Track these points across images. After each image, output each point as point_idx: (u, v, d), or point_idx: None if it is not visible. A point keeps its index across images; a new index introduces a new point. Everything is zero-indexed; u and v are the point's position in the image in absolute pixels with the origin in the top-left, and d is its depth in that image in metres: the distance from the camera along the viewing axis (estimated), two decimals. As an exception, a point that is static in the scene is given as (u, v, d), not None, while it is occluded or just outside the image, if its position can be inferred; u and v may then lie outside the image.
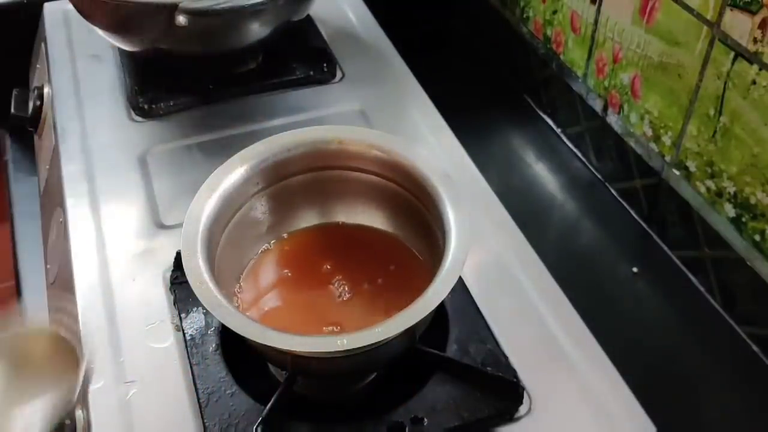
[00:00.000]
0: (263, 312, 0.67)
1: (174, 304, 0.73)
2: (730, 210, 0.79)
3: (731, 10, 0.73)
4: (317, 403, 0.66)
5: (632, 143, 0.92)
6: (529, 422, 0.65)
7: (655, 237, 0.90)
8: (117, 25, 0.93)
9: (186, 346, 0.69)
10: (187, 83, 0.96)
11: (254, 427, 0.61)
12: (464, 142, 0.92)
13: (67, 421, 0.66)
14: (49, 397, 0.59)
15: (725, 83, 0.76)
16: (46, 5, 1.15)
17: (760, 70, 0.71)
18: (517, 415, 0.65)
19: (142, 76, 0.98)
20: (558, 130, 1.06)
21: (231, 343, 0.69)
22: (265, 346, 0.57)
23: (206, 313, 0.71)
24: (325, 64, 1.01)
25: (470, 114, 1.05)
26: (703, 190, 0.82)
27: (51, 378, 0.60)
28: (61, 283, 0.80)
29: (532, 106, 1.11)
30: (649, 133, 0.89)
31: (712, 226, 0.82)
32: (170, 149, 0.90)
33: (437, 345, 0.68)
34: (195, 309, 0.72)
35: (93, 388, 0.66)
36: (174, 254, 0.75)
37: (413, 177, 0.67)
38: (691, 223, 0.84)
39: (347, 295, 0.67)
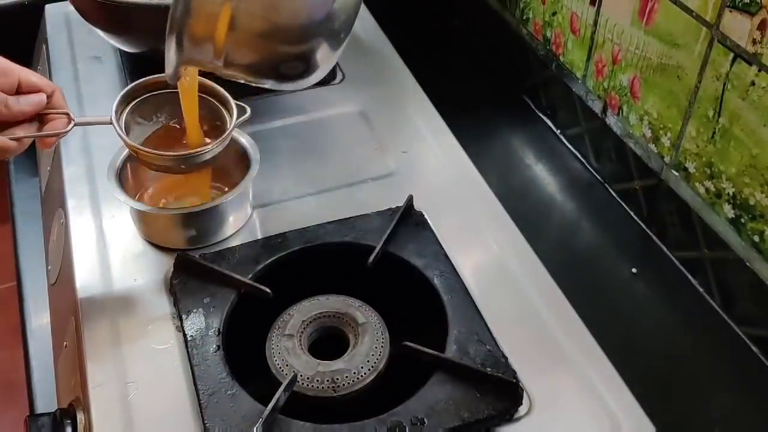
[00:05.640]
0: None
1: (174, 305, 0.73)
2: (729, 211, 0.79)
3: (730, 11, 0.73)
4: (317, 403, 0.67)
5: (631, 144, 0.92)
6: (529, 422, 0.65)
7: (654, 238, 0.91)
8: (118, 27, 0.93)
9: (186, 347, 0.69)
10: (188, 84, 0.97)
11: (254, 428, 0.61)
12: (464, 143, 0.93)
13: (67, 422, 0.66)
14: None
15: (724, 84, 0.76)
16: (47, 7, 1.15)
17: (759, 71, 0.71)
18: (517, 415, 0.65)
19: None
20: (557, 131, 1.06)
21: (231, 344, 0.70)
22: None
23: (206, 315, 0.71)
24: (325, 66, 1.02)
25: (470, 115, 1.05)
26: (702, 191, 0.82)
27: None
28: (62, 284, 0.80)
29: (531, 107, 1.11)
30: (649, 134, 0.89)
31: (711, 226, 0.82)
32: (171, 150, 0.90)
33: (437, 345, 0.69)
34: (195, 310, 0.72)
35: (93, 388, 0.67)
36: (174, 255, 0.76)
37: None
38: (691, 224, 0.84)
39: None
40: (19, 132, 0.67)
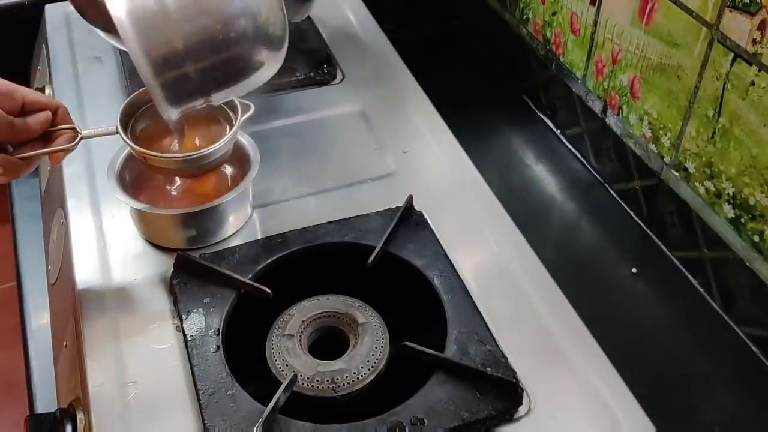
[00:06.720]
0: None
1: (174, 305, 0.73)
2: (729, 211, 0.79)
3: (730, 11, 0.73)
4: (317, 403, 0.67)
5: (631, 144, 0.92)
6: (529, 422, 0.65)
7: (654, 238, 0.91)
8: (118, 27, 0.93)
9: (186, 347, 0.69)
10: (188, 85, 0.97)
11: (254, 428, 0.61)
12: (464, 143, 0.93)
13: (67, 422, 0.66)
14: None
15: (724, 84, 0.76)
16: (47, 7, 1.15)
17: (759, 71, 0.71)
18: (517, 415, 0.65)
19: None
20: (557, 131, 1.06)
21: (231, 344, 0.70)
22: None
23: (206, 315, 0.71)
24: (325, 66, 1.02)
25: (470, 115, 1.05)
26: (702, 191, 0.82)
27: None
28: (62, 284, 0.80)
29: (531, 107, 1.11)
30: (649, 134, 0.89)
31: (711, 226, 0.82)
32: (171, 150, 0.90)
33: (437, 346, 0.69)
34: (195, 310, 0.72)
35: (93, 388, 0.67)
36: (174, 255, 0.76)
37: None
38: (690, 224, 0.84)
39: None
40: (27, 150, 0.68)
